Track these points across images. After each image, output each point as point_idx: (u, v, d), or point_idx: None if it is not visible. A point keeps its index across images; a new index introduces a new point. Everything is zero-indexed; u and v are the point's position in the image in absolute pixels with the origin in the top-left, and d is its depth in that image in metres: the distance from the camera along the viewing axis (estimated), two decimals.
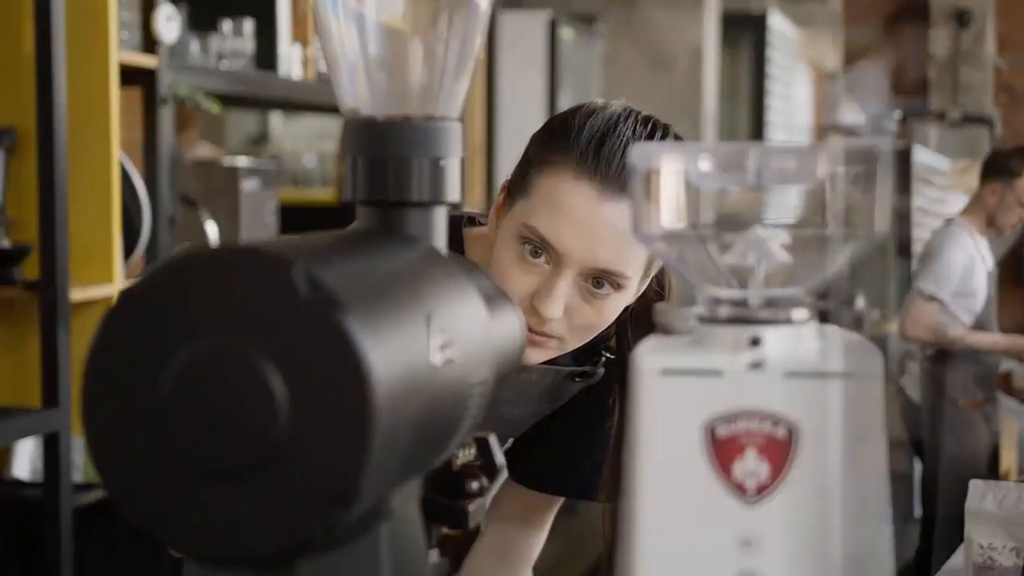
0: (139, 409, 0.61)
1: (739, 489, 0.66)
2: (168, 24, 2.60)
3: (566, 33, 4.99)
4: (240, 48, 3.02)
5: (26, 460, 2.76)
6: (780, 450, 0.66)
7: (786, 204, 0.71)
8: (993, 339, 4.16)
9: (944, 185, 7.19)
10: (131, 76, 2.60)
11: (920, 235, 6.81)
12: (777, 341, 0.67)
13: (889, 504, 0.67)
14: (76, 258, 2.40)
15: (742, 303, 0.69)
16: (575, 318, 1.27)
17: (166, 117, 2.65)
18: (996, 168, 4.17)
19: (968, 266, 4.09)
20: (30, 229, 2.36)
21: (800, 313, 0.69)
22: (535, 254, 1.25)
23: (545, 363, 1.40)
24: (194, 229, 2.92)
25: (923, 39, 8.04)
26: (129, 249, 2.58)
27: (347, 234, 0.73)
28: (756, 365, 0.66)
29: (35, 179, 2.32)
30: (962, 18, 8.78)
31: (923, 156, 6.95)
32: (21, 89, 2.37)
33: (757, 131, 7.36)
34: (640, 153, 0.69)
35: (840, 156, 0.67)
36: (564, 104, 6.01)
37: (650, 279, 1.34)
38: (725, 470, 0.66)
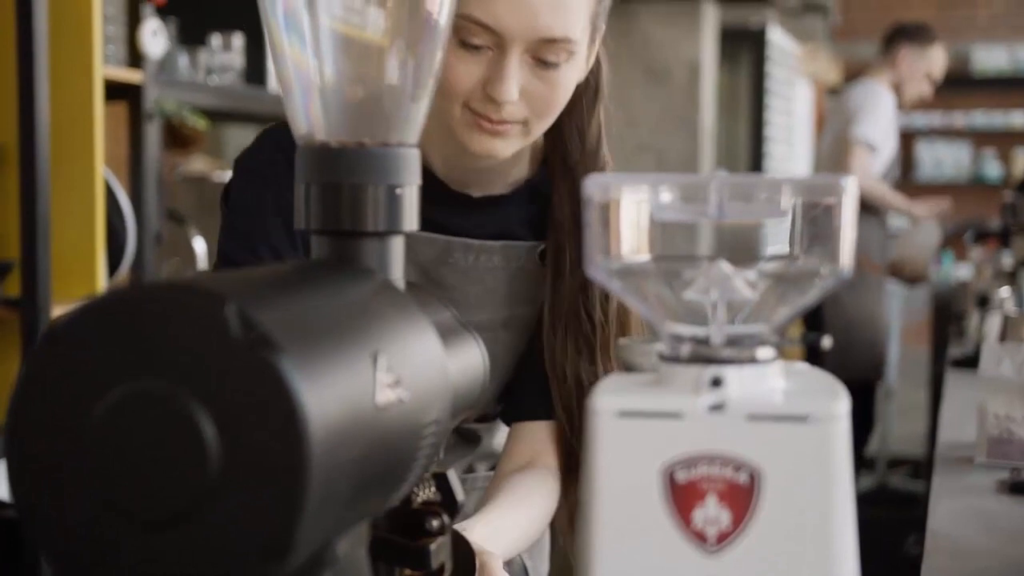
0: (65, 452, 0.58)
1: (699, 537, 0.63)
2: (154, 39, 2.57)
3: None
4: (229, 63, 2.99)
5: (5, 480, 2.73)
6: (742, 496, 0.63)
7: (756, 238, 0.68)
8: (908, 203, 4.23)
9: (793, 67, 7.37)
10: (117, 91, 2.57)
11: (771, 118, 6.95)
12: (740, 381, 0.64)
13: (857, 550, 0.64)
14: (59, 275, 2.36)
15: (704, 341, 0.66)
16: (533, 98, 1.24)
17: (152, 132, 2.62)
18: (910, 34, 4.25)
19: (890, 122, 4.17)
20: (12, 245, 2.33)
21: (765, 352, 0.66)
22: (474, 45, 1.22)
23: (503, 241, 1.37)
24: (182, 245, 2.89)
25: None
26: (114, 266, 2.55)
27: (297, 266, 0.70)
28: (717, 407, 0.63)
29: (17, 195, 2.29)
30: None
31: (776, 37, 7.03)
32: (3, 103, 2.35)
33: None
34: (596, 184, 0.66)
35: (804, 189, 0.64)
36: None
37: (596, 46, 1.31)
38: (685, 517, 0.63)
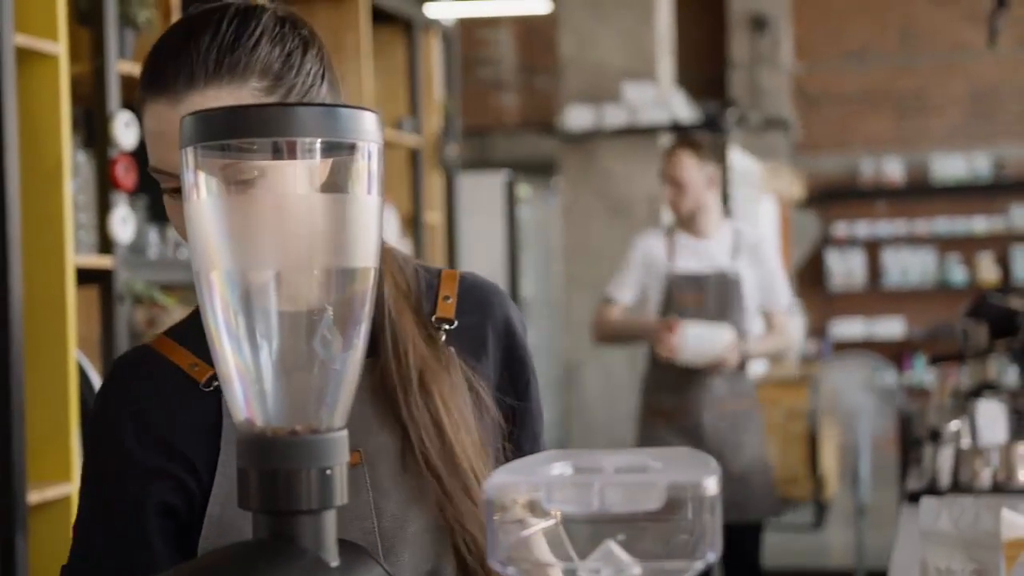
0: None
1: None
2: (123, 225, 2.68)
3: (523, 190, 5.11)
4: None
5: None
6: None
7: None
8: (642, 322, 4.18)
9: (756, 185, 7.54)
10: (88, 275, 2.67)
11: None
12: None
13: None
14: (33, 458, 2.44)
15: None
16: None
17: (122, 314, 2.72)
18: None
19: (647, 268, 4.18)
20: None
21: None
22: (174, 189, 1.19)
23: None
24: None
25: None
26: None
27: (233, 557, 0.79)
28: None
29: None
30: (759, 23, 9.09)
31: (738, 159, 7.22)
32: None
33: None
34: (494, 485, 0.75)
35: (675, 488, 0.73)
36: (525, 258, 6.17)
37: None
38: None
